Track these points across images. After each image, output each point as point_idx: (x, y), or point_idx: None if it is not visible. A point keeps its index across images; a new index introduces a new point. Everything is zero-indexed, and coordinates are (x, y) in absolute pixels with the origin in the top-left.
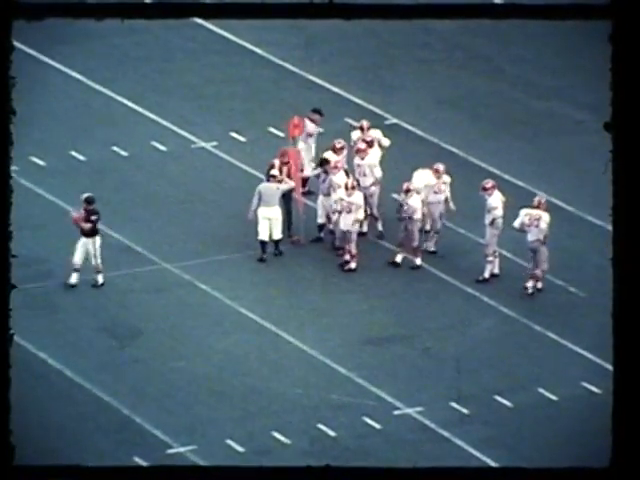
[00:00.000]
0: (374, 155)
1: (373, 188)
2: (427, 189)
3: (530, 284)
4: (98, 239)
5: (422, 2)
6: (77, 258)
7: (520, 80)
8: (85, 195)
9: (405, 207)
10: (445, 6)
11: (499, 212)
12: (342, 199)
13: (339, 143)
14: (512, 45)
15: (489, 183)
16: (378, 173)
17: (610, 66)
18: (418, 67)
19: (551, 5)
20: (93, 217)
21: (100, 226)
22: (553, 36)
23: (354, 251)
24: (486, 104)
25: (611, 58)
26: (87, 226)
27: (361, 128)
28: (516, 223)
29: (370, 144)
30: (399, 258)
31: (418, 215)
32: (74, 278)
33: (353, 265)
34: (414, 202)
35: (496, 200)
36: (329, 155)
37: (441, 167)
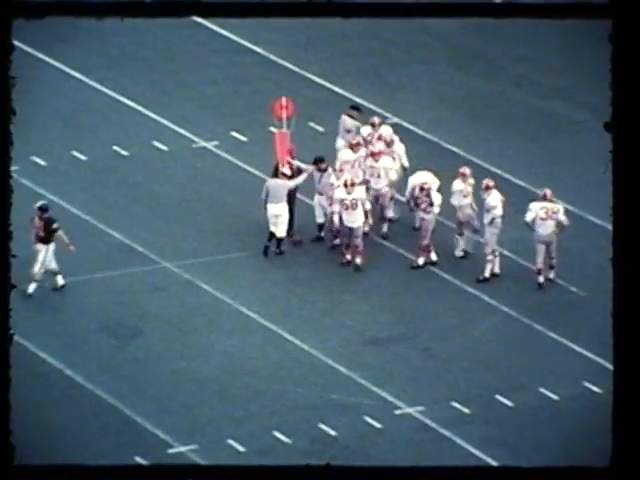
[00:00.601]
0: (389, 158)
1: (386, 189)
2: (457, 194)
3: (552, 275)
4: (52, 246)
5: (421, 1)
6: (50, 265)
7: (520, 80)
8: (39, 203)
9: (423, 205)
10: (445, 5)
11: (499, 211)
12: (343, 199)
13: (355, 139)
14: (513, 45)
15: (490, 182)
16: (393, 176)
17: (610, 66)
18: (418, 67)
19: (551, 4)
20: (55, 225)
21: (100, 225)
22: (553, 36)
23: (361, 247)
24: (486, 104)
25: (611, 58)
26: (58, 234)
27: (372, 124)
28: (528, 217)
29: (389, 144)
30: (434, 257)
31: (437, 210)
32: (60, 280)
33: (359, 260)
34: (435, 197)
35: (495, 199)
36: (346, 153)
37: (467, 171)
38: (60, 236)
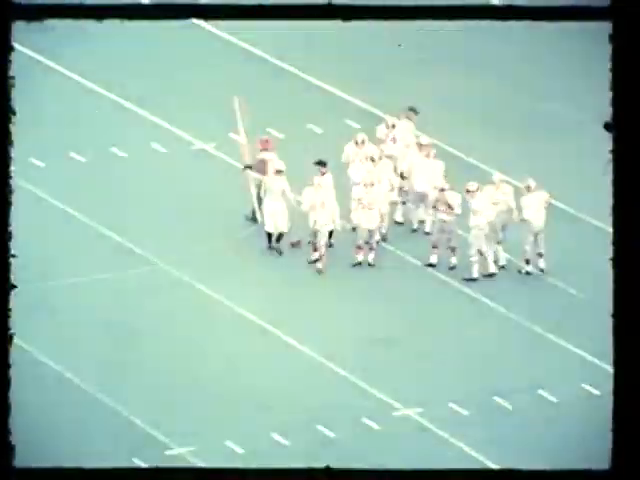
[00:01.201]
0: (387, 164)
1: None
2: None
3: (543, 264)
4: None
5: (422, 3)
6: None
7: (520, 80)
8: None
9: (443, 207)
10: (445, 7)
11: (490, 214)
12: (360, 199)
13: (359, 137)
14: (512, 46)
15: (473, 186)
16: (395, 181)
17: (610, 66)
18: (418, 68)
19: (550, 6)
20: None
21: (99, 227)
22: (553, 36)
23: (375, 245)
24: (486, 104)
25: (611, 58)
26: None
27: (387, 125)
28: (528, 214)
29: (427, 150)
30: (434, 259)
31: (458, 211)
32: None
33: (371, 257)
34: (452, 198)
35: (480, 203)
36: (350, 147)
37: (498, 178)
38: None
